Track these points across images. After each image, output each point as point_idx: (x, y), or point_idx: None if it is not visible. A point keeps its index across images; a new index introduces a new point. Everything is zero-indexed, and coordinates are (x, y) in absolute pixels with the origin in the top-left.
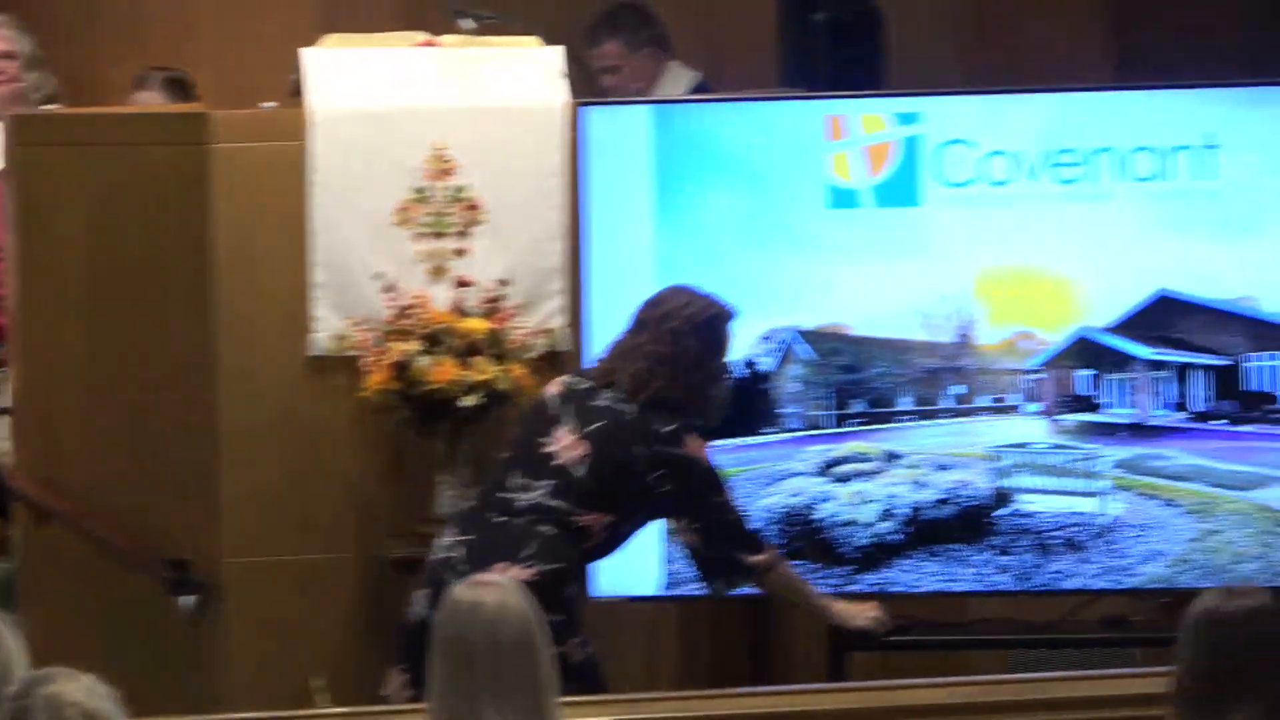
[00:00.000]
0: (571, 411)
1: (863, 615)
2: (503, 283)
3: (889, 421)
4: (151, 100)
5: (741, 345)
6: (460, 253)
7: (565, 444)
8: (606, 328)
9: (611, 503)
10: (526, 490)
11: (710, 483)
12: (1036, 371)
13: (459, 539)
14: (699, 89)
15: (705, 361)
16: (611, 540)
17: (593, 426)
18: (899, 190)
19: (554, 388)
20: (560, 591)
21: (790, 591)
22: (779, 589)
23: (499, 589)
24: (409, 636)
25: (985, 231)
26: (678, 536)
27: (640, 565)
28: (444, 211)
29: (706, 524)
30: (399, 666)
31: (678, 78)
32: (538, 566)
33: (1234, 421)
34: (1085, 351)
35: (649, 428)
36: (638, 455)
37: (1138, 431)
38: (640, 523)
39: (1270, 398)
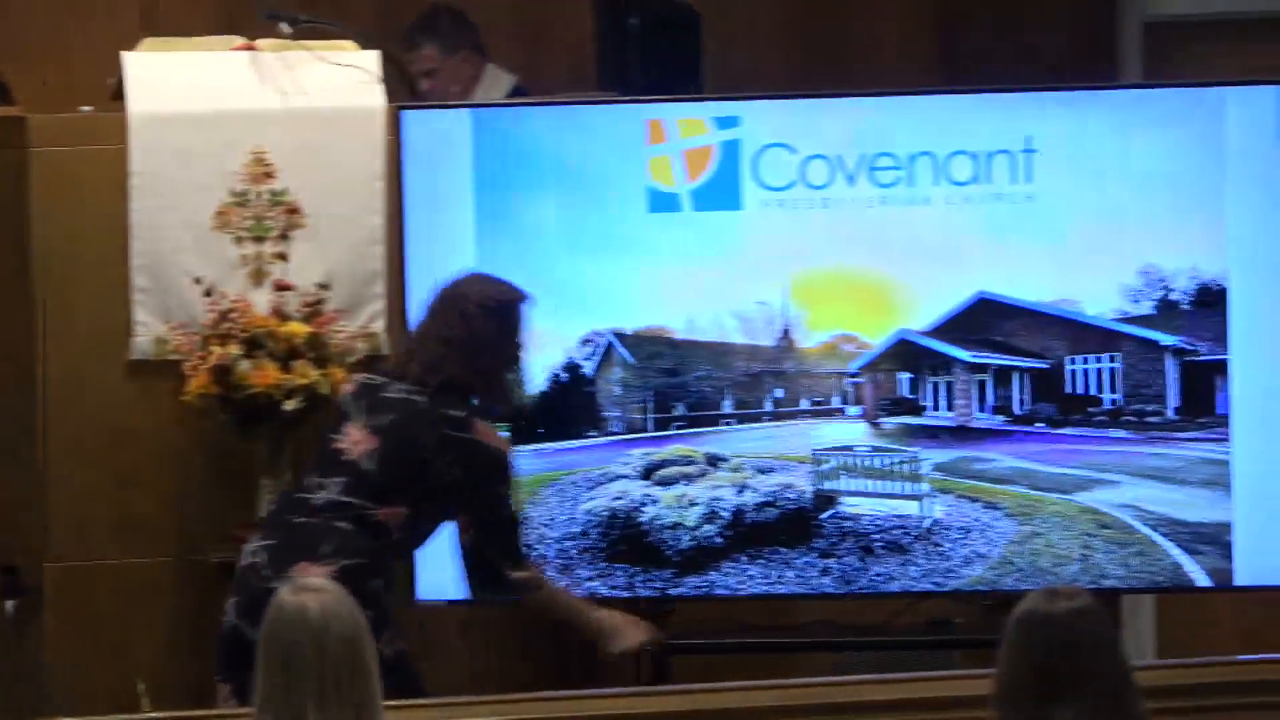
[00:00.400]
0: (363, 407)
1: (629, 637)
2: (323, 286)
3: (711, 425)
4: None
5: (562, 348)
6: (281, 256)
7: (354, 439)
8: None
9: (404, 495)
10: (321, 489)
11: (495, 471)
12: (857, 375)
13: (262, 543)
14: (516, 92)
15: (498, 345)
16: (414, 535)
17: (383, 420)
18: (719, 194)
19: (348, 385)
20: (364, 587)
21: (553, 613)
22: (540, 609)
23: (323, 593)
24: (225, 645)
25: (805, 235)
26: (459, 537)
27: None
28: (264, 215)
29: (482, 516)
30: (220, 678)
31: (495, 81)
32: (338, 563)
33: (1054, 424)
34: (906, 354)
35: (438, 414)
36: (426, 444)
37: (959, 434)
38: (440, 517)
39: (1093, 400)
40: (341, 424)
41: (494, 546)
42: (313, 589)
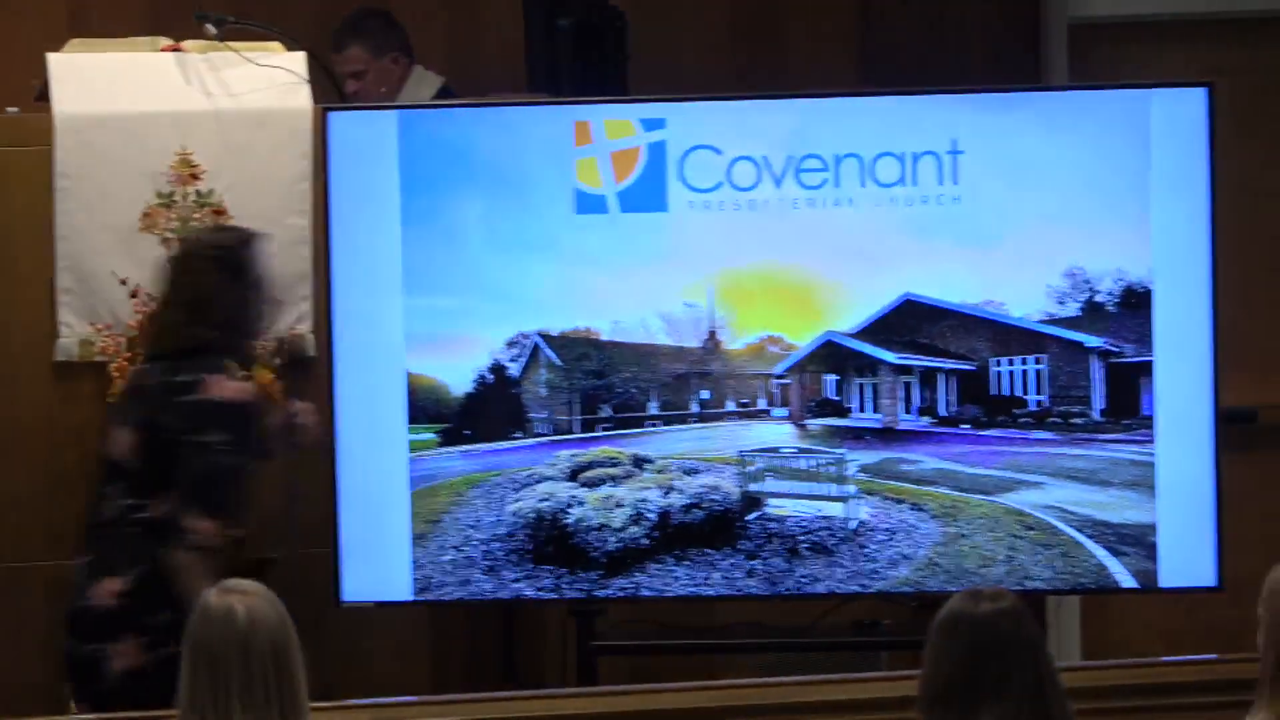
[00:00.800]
0: (128, 404)
1: None
2: None
3: (637, 426)
4: None
5: (488, 350)
6: None
7: (118, 440)
8: (354, 333)
9: (166, 482)
10: (106, 498)
11: (211, 419)
12: (783, 376)
13: (80, 560)
14: (444, 94)
15: (230, 293)
16: None
17: (136, 410)
18: (645, 195)
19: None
20: (166, 591)
21: (180, 581)
22: (174, 570)
23: (250, 596)
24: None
25: (732, 237)
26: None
27: (389, 570)
28: (190, 216)
29: (187, 458)
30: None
31: (423, 82)
32: (134, 571)
33: (980, 425)
34: (832, 356)
35: (167, 383)
36: (165, 420)
37: (885, 436)
38: None
39: (1019, 402)
40: (112, 428)
41: (184, 487)
42: (239, 591)
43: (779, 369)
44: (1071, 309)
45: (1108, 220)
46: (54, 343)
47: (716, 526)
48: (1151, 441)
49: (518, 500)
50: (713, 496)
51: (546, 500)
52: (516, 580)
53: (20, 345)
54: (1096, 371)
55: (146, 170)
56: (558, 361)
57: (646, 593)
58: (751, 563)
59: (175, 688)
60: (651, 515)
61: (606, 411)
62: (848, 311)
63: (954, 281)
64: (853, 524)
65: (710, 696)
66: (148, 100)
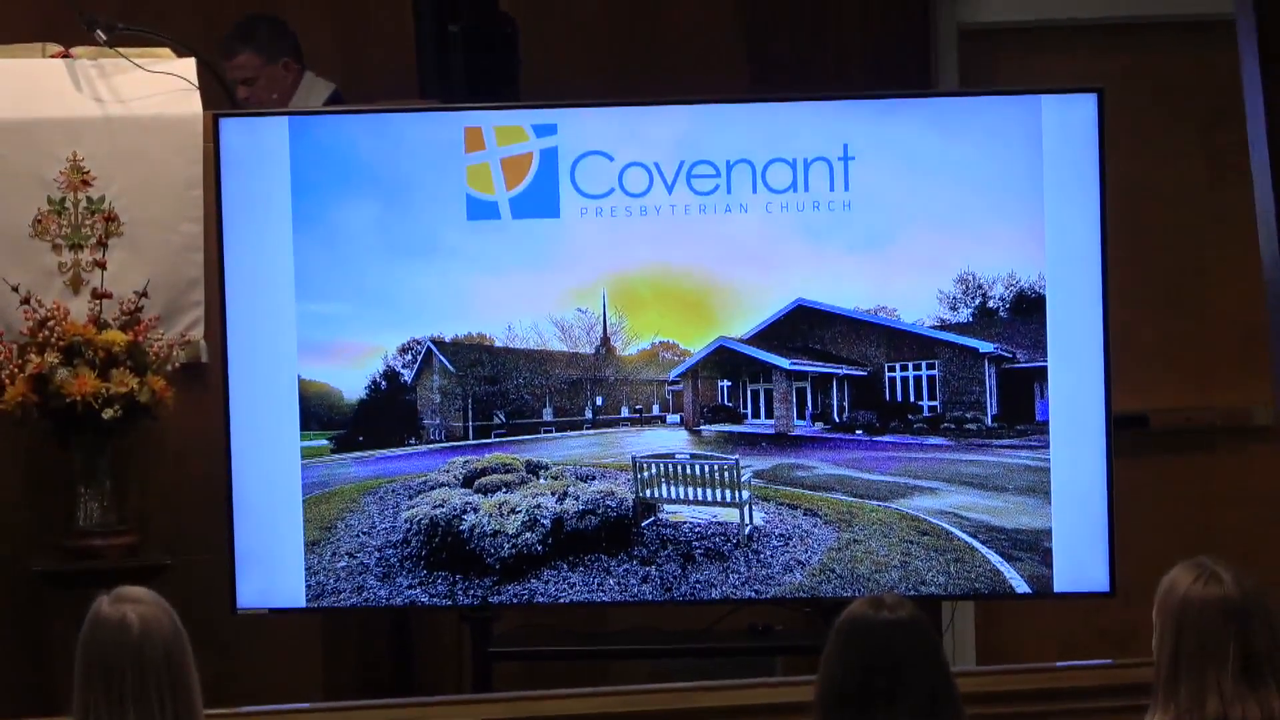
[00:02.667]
0: None
1: None
2: (141, 294)
3: (531, 432)
4: None
5: (381, 356)
6: (99, 264)
7: None
8: (247, 339)
9: None
10: None
11: None
12: (677, 382)
13: None
14: (334, 99)
15: None
16: None
17: None
18: (537, 201)
19: None
20: None
21: None
22: None
23: (142, 604)
24: None
25: (624, 243)
26: None
27: (283, 577)
28: (82, 223)
29: None
30: None
31: (314, 88)
32: None
33: (873, 431)
34: (725, 362)
35: None
36: None
37: (779, 442)
38: None
39: (912, 408)
40: None
41: None
42: (131, 599)
43: (672, 375)
44: (964, 314)
45: (1000, 225)
46: None
47: (611, 532)
48: (1046, 447)
49: (412, 507)
50: (607, 503)
51: (441, 507)
52: (411, 587)
53: None
54: (989, 377)
55: (37, 176)
56: (451, 368)
57: (541, 599)
58: (646, 568)
59: None
60: (546, 521)
61: (500, 418)
62: (740, 317)
63: (846, 287)
64: (747, 530)
65: (604, 702)
66: (38, 106)
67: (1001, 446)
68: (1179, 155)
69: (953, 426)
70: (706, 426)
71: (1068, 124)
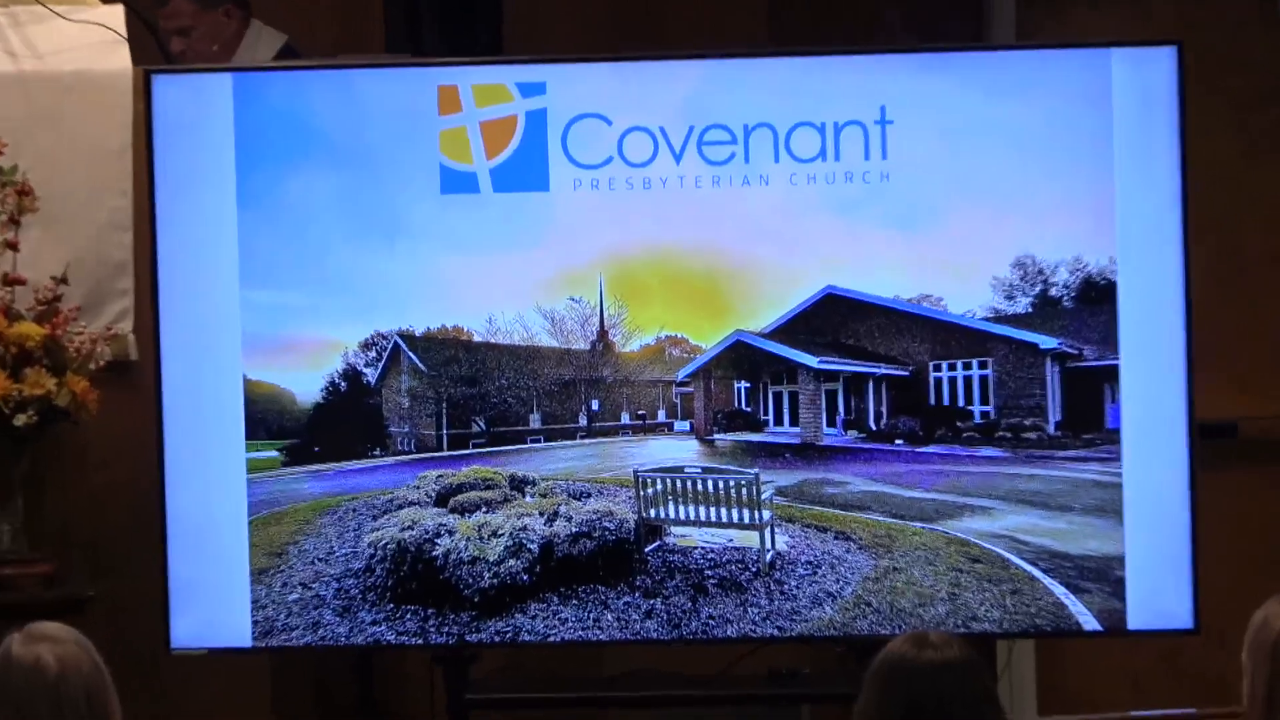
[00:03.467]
0: None
1: None
2: (60, 280)
3: (516, 442)
4: None
5: (341, 353)
6: (10, 245)
7: None
8: (183, 333)
9: None
10: None
11: None
12: (686, 383)
13: None
14: (286, 53)
15: None
16: None
17: None
18: (523, 172)
19: None
20: None
21: None
22: None
23: (60, 644)
24: None
25: (624, 221)
26: None
27: (225, 611)
28: None
29: None
30: None
31: (262, 40)
32: None
33: (916, 441)
34: (742, 359)
35: None
36: None
37: (805, 453)
38: None
39: (962, 413)
40: None
41: None
42: (46, 638)
43: (680, 375)
44: (1022, 304)
45: (1063, 201)
46: None
47: (609, 559)
48: (1117, 460)
49: (376, 529)
50: (605, 524)
51: (410, 529)
52: (375, 623)
53: None
54: (1052, 378)
55: None
56: (422, 366)
57: (527, 637)
58: (650, 602)
59: None
60: (533, 546)
61: (480, 425)
62: (760, 307)
63: (884, 272)
64: (769, 556)
65: None
66: None
67: (1066, 459)
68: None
69: (1009, 435)
70: (721, 435)
71: (1142, 82)
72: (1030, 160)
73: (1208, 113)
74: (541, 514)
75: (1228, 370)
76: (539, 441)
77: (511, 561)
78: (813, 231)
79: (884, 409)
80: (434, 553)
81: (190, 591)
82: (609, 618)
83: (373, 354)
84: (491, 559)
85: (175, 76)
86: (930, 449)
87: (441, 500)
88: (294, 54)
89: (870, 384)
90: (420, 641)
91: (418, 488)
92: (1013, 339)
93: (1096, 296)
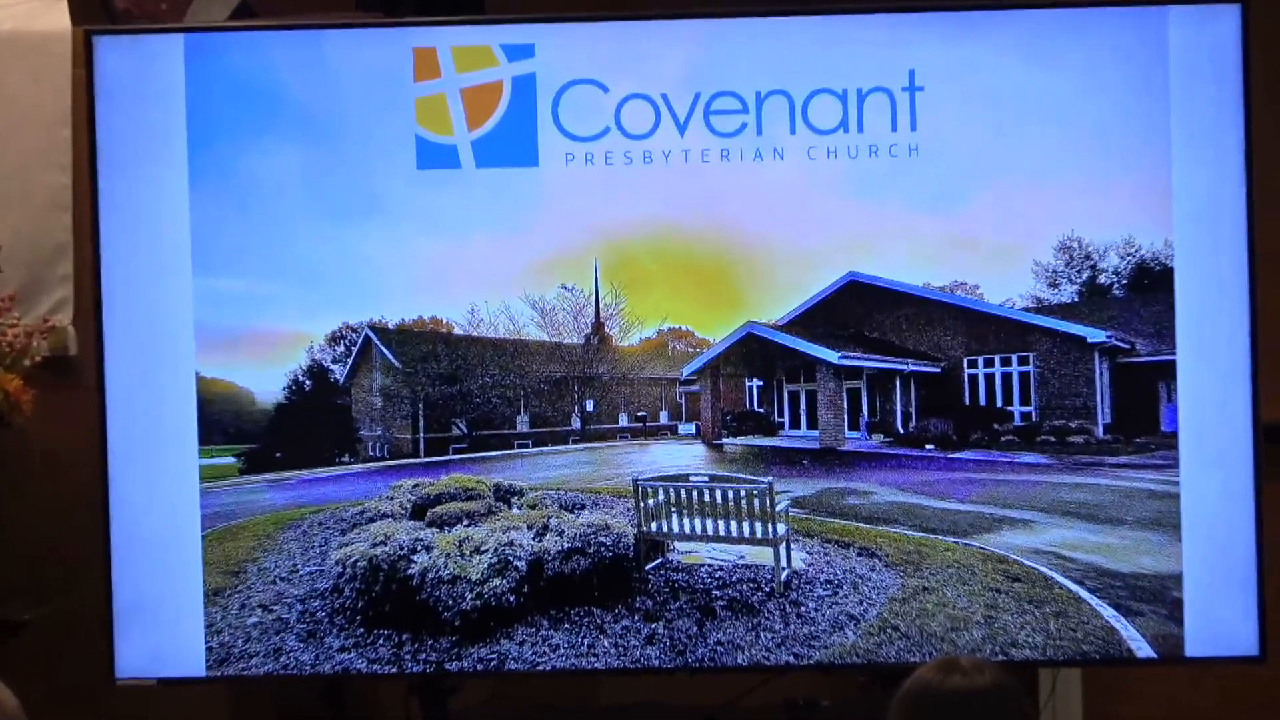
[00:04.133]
0: None
1: None
2: None
3: (502, 447)
4: None
5: (305, 347)
6: None
7: None
8: (129, 325)
9: None
10: None
11: None
12: (691, 381)
13: None
14: (242, 12)
15: None
16: None
17: None
18: (509, 145)
19: None
20: None
21: None
22: None
23: None
24: None
25: (622, 199)
26: None
27: (176, 636)
28: None
29: None
30: None
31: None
32: None
33: (948, 446)
34: (755, 354)
35: None
36: None
37: (825, 460)
38: None
39: (1000, 414)
40: None
41: None
42: None
43: (685, 372)
44: (1067, 293)
45: (1113, 177)
46: None
47: (605, 578)
48: (1174, 467)
49: (345, 545)
50: (601, 539)
51: (383, 544)
52: (344, 649)
53: None
54: (1101, 375)
55: None
56: (396, 362)
57: (514, 665)
58: (652, 626)
59: None
60: (520, 564)
61: (461, 428)
62: (774, 296)
63: (913, 256)
64: (784, 575)
65: None
66: None
67: (1116, 466)
68: None
69: (1052, 440)
70: (730, 439)
71: (1202, 44)
72: (1076, 132)
73: (1275, 78)
74: (530, 528)
75: None
76: (527, 446)
77: (496, 581)
78: (833, 211)
79: (913, 410)
80: (409, 571)
81: (138, 614)
82: (605, 644)
83: (341, 348)
84: (474, 578)
85: (119, 38)
86: (964, 455)
87: (418, 512)
88: (250, 13)
89: (897, 382)
90: (394, 670)
91: (391, 498)
92: (1057, 331)
93: (1151, 284)
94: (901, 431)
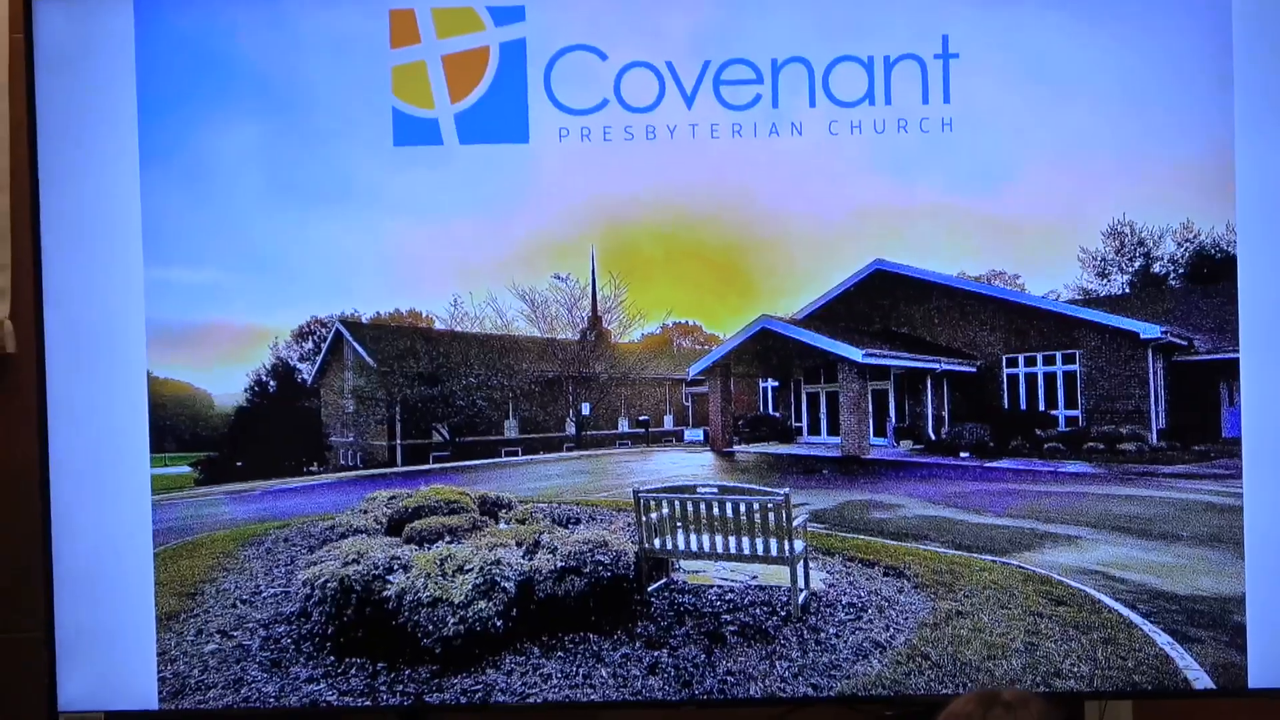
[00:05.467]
0: None
1: None
2: None
3: (488, 455)
4: None
5: (268, 343)
6: None
7: None
8: (72, 320)
9: None
10: None
11: None
12: (700, 381)
13: None
14: None
15: None
16: None
17: None
18: (496, 119)
19: None
20: None
21: None
22: None
23: None
24: None
25: (622, 178)
26: None
27: (125, 665)
28: None
29: None
30: None
31: None
32: None
33: (985, 453)
34: (769, 352)
35: None
36: None
37: (848, 468)
38: None
39: (1043, 419)
40: None
41: None
42: None
43: (692, 371)
44: (1117, 283)
45: (1169, 156)
46: None
47: (603, 601)
48: (1237, 476)
49: (313, 564)
50: (598, 557)
51: (355, 563)
52: (312, 680)
53: None
54: (1155, 375)
55: None
56: (370, 361)
57: (501, 697)
58: (655, 653)
59: None
60: (508, 585)
61: (443, 434)
62: (791, 287)
63: (945, 243)
64: (801, 597)
65: None
66: None
67: (1172, 475)
68: None
69: (1101, 447)
70: (742, 447)
71: (1271, 8)
72: (1127, 104)
73: None
74: (519, 544)
75: None
76: (516, 454)
77: (482, 604)
78: (857, 192)
79: (945, 414)
80: (385, 593)
81: (83, 640)
82: (603, 673)
83: (309, 345)
84: (457, 600)
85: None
86: (1003, 464)
87: (394, 527)
88: None
89: (929, 382)
90: (368, 703)
91: (365, 512)
92: (1106, 326)
93: (1211, 273)
94: (933, 438)
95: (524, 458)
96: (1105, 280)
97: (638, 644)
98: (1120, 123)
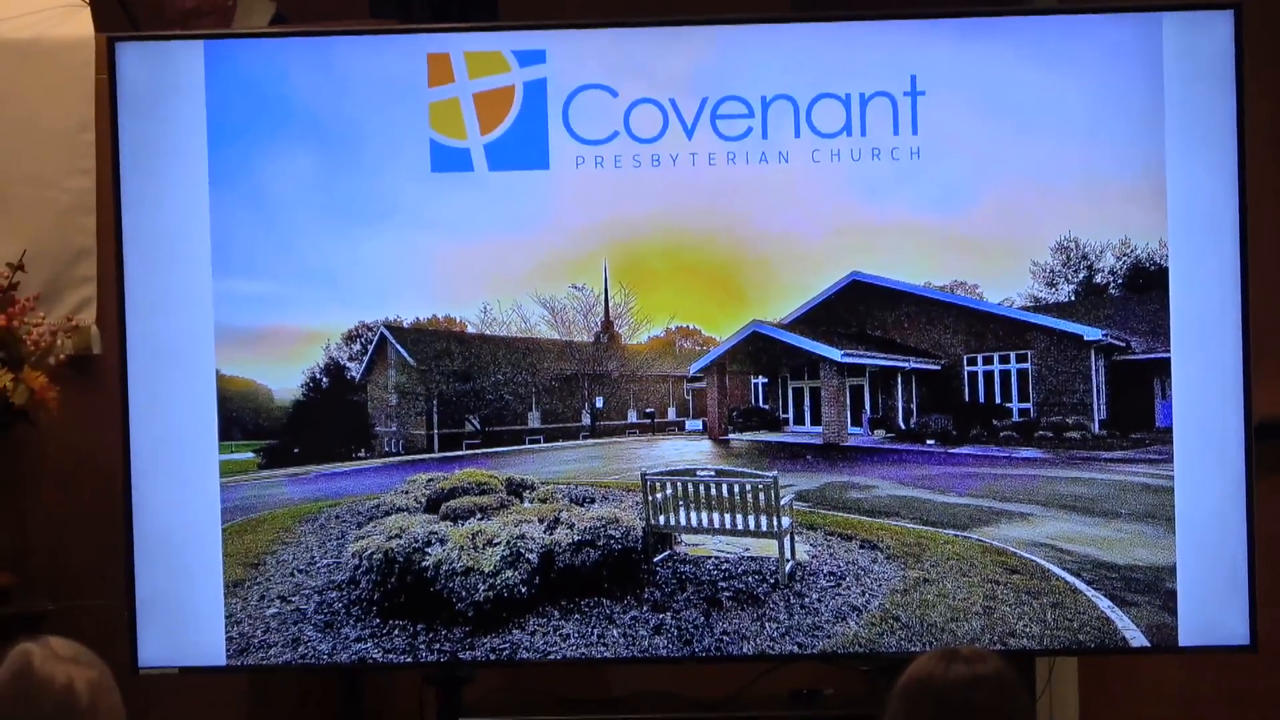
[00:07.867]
0: None
1: None
2: (16, 267)
3: (514, 443)
4: None
5: (322, 346)
6: None
7: None
8: (150, 325)
9: None
10: None
11: None
12: (699, 378)
13: None
14: (278, 22)
15: None
16: None
17: None
18: (521, 149)
19: None
20: None
21: None
22: None
23: (85, 667)
24: None
25: (631, 201)
26: None
27: (197, 627)
28: None
29: None
30: None
31: (254, 10)
32: None
33: (949, 441)
34: (760, 352)
35: None
36: None
37: (828, 454)
38: None
39: (998, 411)
40: None
41: None
42: (70, 659)
43: (692, 369)
44: (1064, 292)
45: (1110, 180)
46: None
47: (615, 570)
48: (1168, 461)
49: (361, 538)
50: (610, 532)
51: (398, 537)
52: (360, 639)
53: None
54: (1097, 372)
55: None
56: (411, 360)
57: (526, 655)
58: (660, 616)
59: None
60: (532, 556)
61: (474, 424)
62: (779, 295)
63: (914, 257)
64: (788, 567)
65: None
66: None
67: (1112, 460)
68: None
69: (1050, 435)
70: (736, 435)
71: (1196, 49)
72: (1074, 135)
73: (1269, 82)
74: (541, 521)
75: None
76: (538, 442)
77: (508, 573)
78: (837, 212)
79: (914, 406)
80: (424, 563)
81: (159, 606)
82: (615, 634)
83: (357, 347)
84: (487, 570)
85: (141, 45)
86: (964, 450)
87: (432, 506)
88: (285, 22)
89: (899, 379)
90: (409, 659)
91: (406, 492)
92: (1054, 330)
93: (1146, 283)
94: (903, 427)
95: (545, 445)
96: (1054, 289)
97: (645, 608)
98: (1067, 152)
